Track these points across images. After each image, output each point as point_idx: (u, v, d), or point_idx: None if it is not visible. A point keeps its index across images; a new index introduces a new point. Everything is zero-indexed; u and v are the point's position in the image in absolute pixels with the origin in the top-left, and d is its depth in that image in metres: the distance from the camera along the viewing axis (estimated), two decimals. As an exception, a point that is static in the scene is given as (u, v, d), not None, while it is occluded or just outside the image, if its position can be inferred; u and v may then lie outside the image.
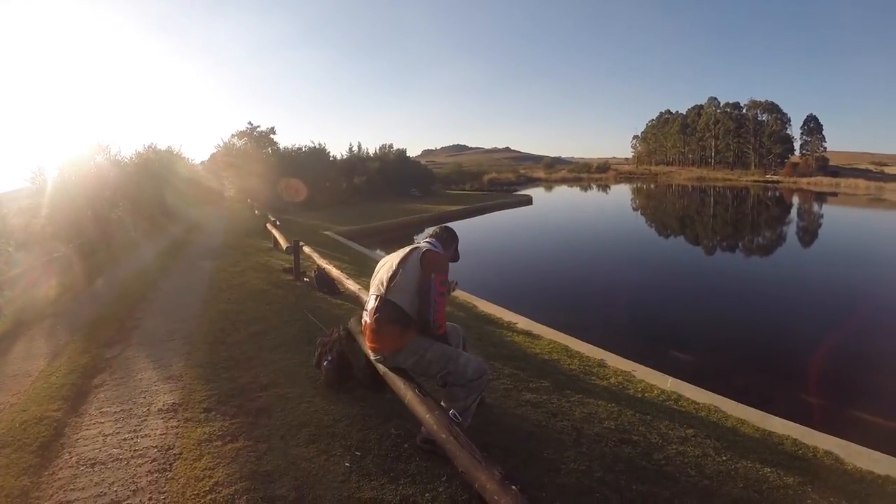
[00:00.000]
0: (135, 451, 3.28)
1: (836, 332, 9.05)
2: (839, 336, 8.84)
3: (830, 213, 36.85)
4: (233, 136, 33.69)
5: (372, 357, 3.26)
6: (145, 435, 3.50)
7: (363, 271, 10.04)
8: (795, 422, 4.47)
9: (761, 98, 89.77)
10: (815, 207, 39.98)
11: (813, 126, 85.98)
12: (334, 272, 7.08)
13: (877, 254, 18.72)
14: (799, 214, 35.77)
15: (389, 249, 12.88)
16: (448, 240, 3.39)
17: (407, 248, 3.14)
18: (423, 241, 3.32)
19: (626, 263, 16.06)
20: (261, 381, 4.27)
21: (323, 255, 8.42)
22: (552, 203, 44.46)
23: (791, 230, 26.72)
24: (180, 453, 3.19)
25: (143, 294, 7.93)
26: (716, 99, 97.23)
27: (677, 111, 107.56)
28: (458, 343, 3.46)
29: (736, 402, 4.78)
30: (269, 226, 12.55)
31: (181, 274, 9.66)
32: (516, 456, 3.09)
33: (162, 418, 3.73)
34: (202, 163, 37.63)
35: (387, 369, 3.13)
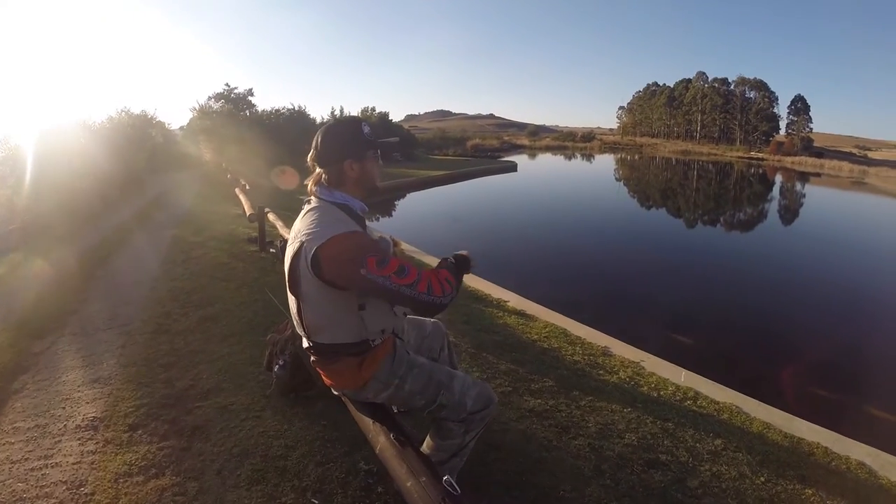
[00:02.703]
0: (41, 488, 2.56)
1: (836, 317, 8.71)
2: (839, 321, 8.52)
3: (822, 193, 36.76)
4: (209, 98, 32.13)
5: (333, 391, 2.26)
6: (56, 464, 2.76)
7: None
8: (820, 424, 4.01)
9: (750, 76, 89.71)
10: (800, 187, 39.67)
11: (800, 106, 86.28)
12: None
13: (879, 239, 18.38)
14: (782, 193, 35.56)
15: (371, 215, 11.44)
16: (348, 153, 1.96)
17: (291, 241, 1.92)
18: (308, 202, 2.01)
19: (614, 235, 15.50)
20: (203, 384, 3.53)
21: (289, 224, 7.51)
22: (537, 170, 43.60)
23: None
24: (92, 494, 2.47)
25: (91, 271, 7.02)
26: (704, 73, 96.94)
27: (664, 84, 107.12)
28: (441, 346, 2.57)
29: (756, 402, 4.25)
30: (237, 191, 11.41)
31: (138, 246, 8.71)
32: (524, 496, 2.41)
33: (78, 439, 2.97)
34: (181, 128, 36.08)
35: (350, 402, 2.25)
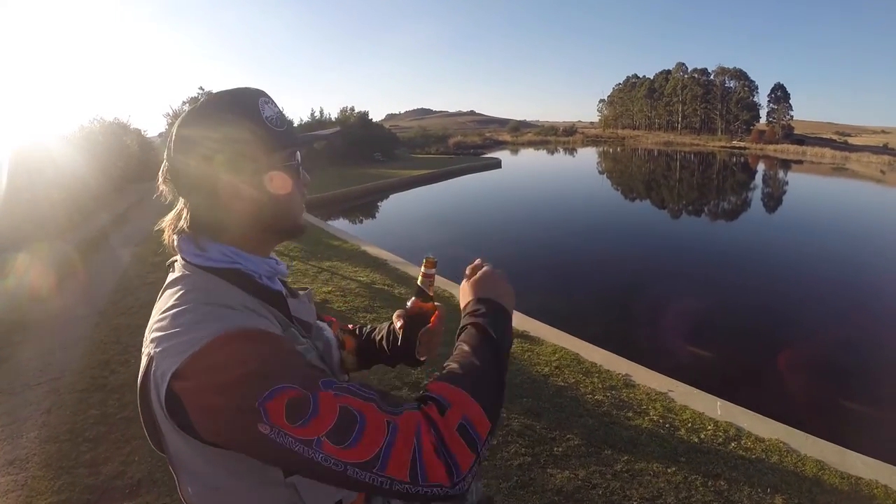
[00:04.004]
0: None
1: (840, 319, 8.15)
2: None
3: (811, 181, 36.60)
4: (184, 102, 31.37)
5: None
6: None
7: (316, 250, 8.68)
8: (870, 455, 3.55)
9: (729, 66, 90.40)
10: (782, 174, 39.60)
11: (780, 94, 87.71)
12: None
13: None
14: (765, 181, 35.53)
15: (352, 218, 10.61)
16: (233, 165, 0.96)
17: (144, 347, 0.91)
18: (171, 268, 1.05)
19: (607, 233, 14.88)
20: (133, 471, 2.77)
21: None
22: (521, 166, 43.01)
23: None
24: None
25: (35, 303, 6.15)
26: (683, 64, 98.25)
27: (644, 76, 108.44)
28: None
29: (803, 435, 3.70)
30: None
31: (91, 271, 7.80)
32: None
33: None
34: (160, 134, 35.16)
35: None
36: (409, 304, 1.31)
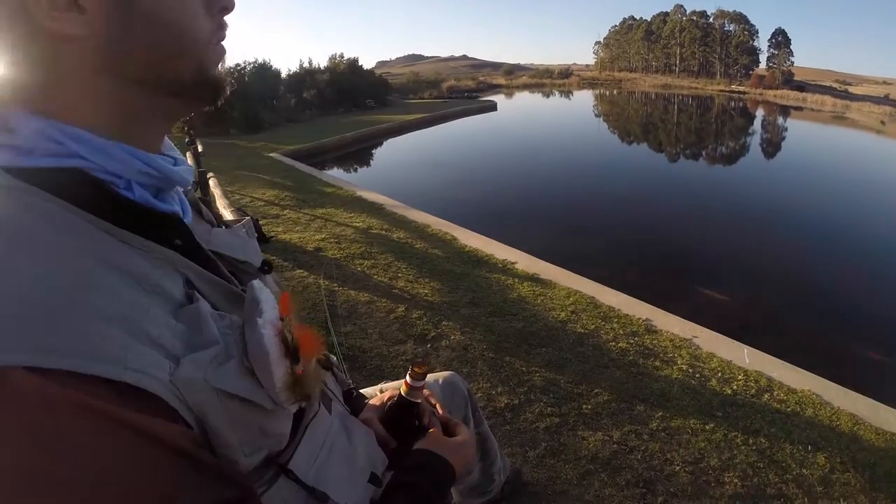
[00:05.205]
0: None
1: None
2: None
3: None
4: None
5: None
6: None
7: (308, 197, 8.15)
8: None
9: (729, 9, 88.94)
10: (781, 120, 38.94)
11: (780, 40, 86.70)
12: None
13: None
14: (766, 126, 35.70)
15: (346, 166, 10.24)
16: None
17: None
18: None
19: (608, 174, 14.42)
20: None
21: (249, 185, 6.32)
22: (517, 109, 42.00)
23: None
24: None
25: None
26: (682, 6, 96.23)
27: (641, 17, 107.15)
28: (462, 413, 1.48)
29: (835, 386, 3.44)
30: (188, 154, 9.15)
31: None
32: None
33: None
34: None
35: None
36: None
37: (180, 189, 0.68)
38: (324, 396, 0.83)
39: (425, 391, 1.00)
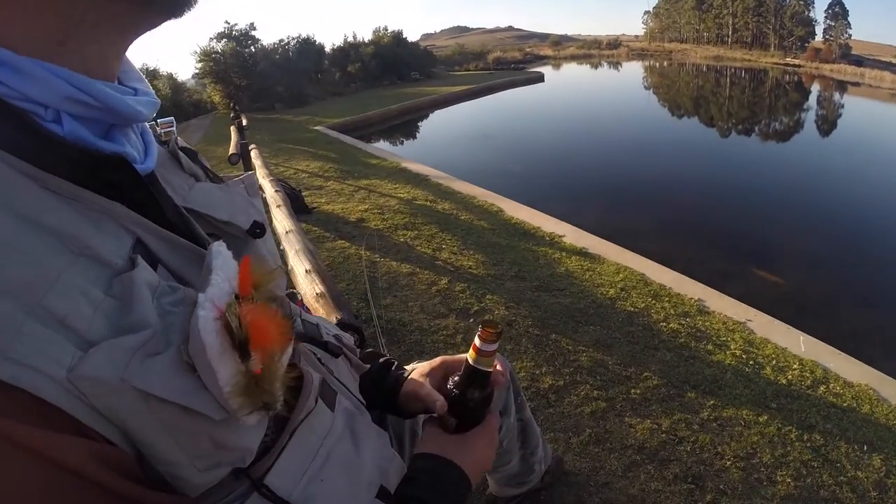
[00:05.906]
0: None
1: None
2: None
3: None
4: (211, 39, 30.58)
5: None
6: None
7: (353, 169, 8.10)
8: None
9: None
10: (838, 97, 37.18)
11: (838, 11, 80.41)
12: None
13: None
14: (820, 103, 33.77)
15: (391, 139, 10.16)
16: None
17: None
18: None
19: (661, 149, 13.88)
20: None
21: (293, 158, 6.22)
22: (566, 80, 41.17)
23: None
24: None
25: None
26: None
27: None
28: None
29: (892, 380, 3.22)
30: (232, 128, 9.14)
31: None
32: None
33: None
34: (194, 76, 34.76)
35: None
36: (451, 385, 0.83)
37: (150, 131, 0.58)
38: (325, 389, 0.68)
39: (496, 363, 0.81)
